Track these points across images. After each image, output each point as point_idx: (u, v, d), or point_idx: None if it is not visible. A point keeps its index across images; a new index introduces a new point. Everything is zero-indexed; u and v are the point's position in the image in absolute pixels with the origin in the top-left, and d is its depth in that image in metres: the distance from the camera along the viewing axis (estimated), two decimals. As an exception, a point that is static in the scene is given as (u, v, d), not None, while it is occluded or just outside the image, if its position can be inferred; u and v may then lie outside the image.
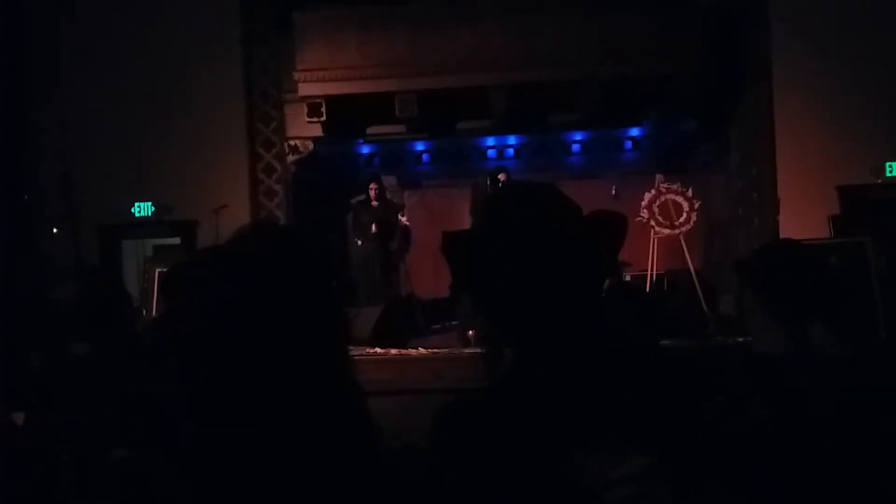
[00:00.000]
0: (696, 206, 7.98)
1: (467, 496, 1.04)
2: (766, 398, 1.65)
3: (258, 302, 0.94)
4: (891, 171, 8.18)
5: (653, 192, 8.05)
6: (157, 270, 7.23)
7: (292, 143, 8.83)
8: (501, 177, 7.55)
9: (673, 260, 8.07)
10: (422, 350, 7.10)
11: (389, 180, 9.59)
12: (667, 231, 7.86)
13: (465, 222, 8.47)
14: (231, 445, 0.90)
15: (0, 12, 8.39)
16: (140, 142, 8.54)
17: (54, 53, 8.60)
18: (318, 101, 8.36)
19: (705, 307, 7.45)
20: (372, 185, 8.51)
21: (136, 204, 8.78)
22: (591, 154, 10.15)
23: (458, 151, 10.23)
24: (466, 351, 7.01)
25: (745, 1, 8.40)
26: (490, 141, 10.12)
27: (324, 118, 8.40)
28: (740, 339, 5.91)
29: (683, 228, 7.92)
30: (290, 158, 8.84)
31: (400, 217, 8.84)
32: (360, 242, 8.49)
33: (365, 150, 10.28)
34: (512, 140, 10.14)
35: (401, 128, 8.97)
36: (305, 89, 8.35)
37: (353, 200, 8.78)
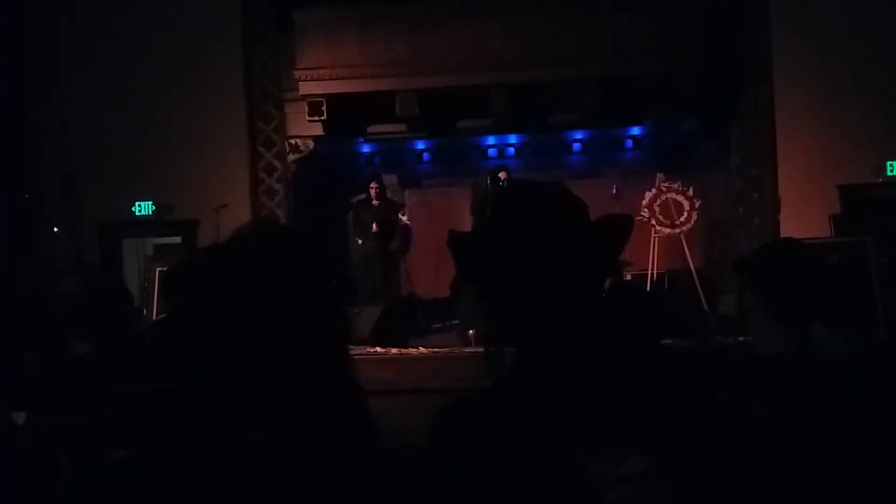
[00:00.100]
0: (697, 205, 7.97)
1: (467, 496, 1.04)
2: (766, 398, 1.65)
3: (258, 301, 0.93)
4: (891, 171, 8.18)
5: (653, 191, 8.05)
6: (158, 270, 7.23)
7: (293, 142, 8.83)
8: (502, 175, 7.54)
9: (673, 259, 8.07)
10: (422, 349, 7.10)
11: (390, 179, 9.58)
12: (667, 230, 7.86)
13: (466, 221, 8.47)
14: (231, 444, 0.90)
15: (0, 12, 8.39)
16: (140, 141, 8.54)
17: (54, 53, 8.60)
18: (318, 99, 8.36)
19: (706, 307, 7.45)
20: (372, 184, 8.51)
21: (137, 203, 8.78)
22: (592, 153, 10.14)
23: (458, 150, 10.22)
24: (467, 350, 7.01)
25: (743, 1, 8.40)
26: (491, 140, 10.12)
27: (324, 117, 8.40)
28: (741, 339, 5.91)
29: (684, 228, 7.91)
30: (291, 157, 8.84)
31: (400, 216, 8.84)
32: (360, 241, 8.49)
33: (365, 149, 10.27)
34: (512, 139, 10.13)
35: (401, 127, 8.96)
36: (306, 88, 8.35)
37: (354, 199, 8.78)
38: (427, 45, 8.20)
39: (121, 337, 2.17)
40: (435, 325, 8.64)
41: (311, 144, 8.83)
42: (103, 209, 8.71)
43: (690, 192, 8.02)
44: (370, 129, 9.30)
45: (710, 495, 1.06)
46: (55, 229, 8.67)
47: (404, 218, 8.95)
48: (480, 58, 8.11)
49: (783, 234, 7.65)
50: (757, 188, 8.43)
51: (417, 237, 9.21)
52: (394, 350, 6.95)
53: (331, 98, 8.32)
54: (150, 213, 8.81)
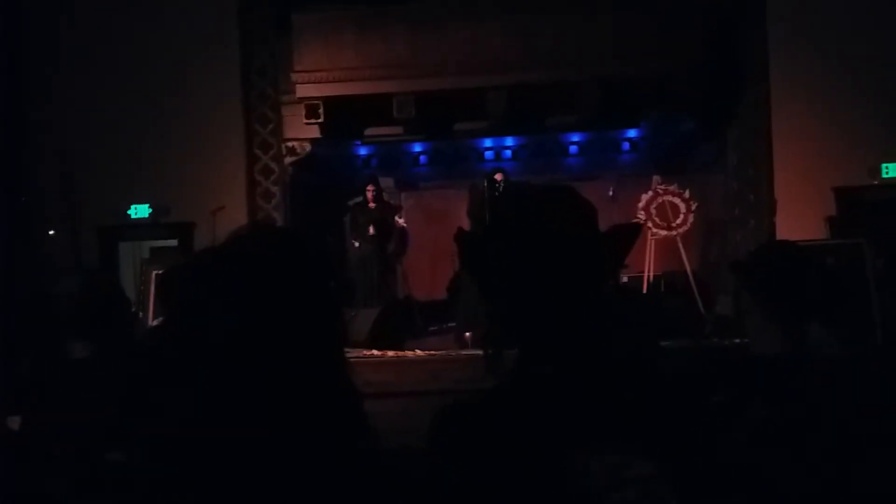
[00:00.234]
0: (693, 207, 7.99)
1: (466, 498, 1.04)
2: (764, 399, 1.65)
3: (255, 303, 0.93)
4: (887, 173, 8.20)
5: (650, 193, 8.06)
6: (154, 272, 7.22)
7: (290, 144, 8.82)
8: (499, 177, 7.55)
9: (670, 261, 8.08)
10: (419, 352, 7.10)
11: (387, 182, 9.58)
12: (664, 232, 7.87)
13: (463, 224, 8.47)
14: (228, 446, 0.89)
15: (0, 12, 8.39)
16: (137, 143, 8.53)
17: (52, 54, 8.59)
18: (315, 102, 8.35)
19: (702, 308, 7.46)
20: (369, 187, 8.51)
21: (133, 206, 8.76)
22: (589, 155, 10.15)
23: (455, 153, 10.22)
24: (463, 352, 7.01)
25: (743, 2, 8.42)
26: (487, 142, 10.12)
27: (321, 120, 8.39)
28: (737, 340, 5.92)
29: (680, 230, 7.92)
30: (288, 160, 8.84)
31: (397, 219, 8.84)
32: (357, 244, 8.49)
33: (362, 151, 10.27)
34: (509, 141, 10.14)
35: (398, 129, 8.96)
36: (303, 91, 8.35)
37: (351, 202, 8.77)
38: (424, 47, 8.20)
39: (117, 339, 2.16)
40: (432, 328, 8.64)
41: (308, 147, 8.83)
42: (100, 211, 8.70)
43: (686, 195, 8.03)
44: (367, 132, 9.30)
45: (709, 496, 1.06)
46: (52, 231, 8.65)
47: (401, 220, 8.95)
48: (477, 60, 8.11)
49: (779, 236, 7.66)
50: (753, 190, 8.45)
51: (414, 240, 9.21)
52: (391, 352, 6.95)
53: (328, 100, 8.32)
54: (147, 215, 8.79)
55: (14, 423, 2.12)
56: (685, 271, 7.83)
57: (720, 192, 8.92)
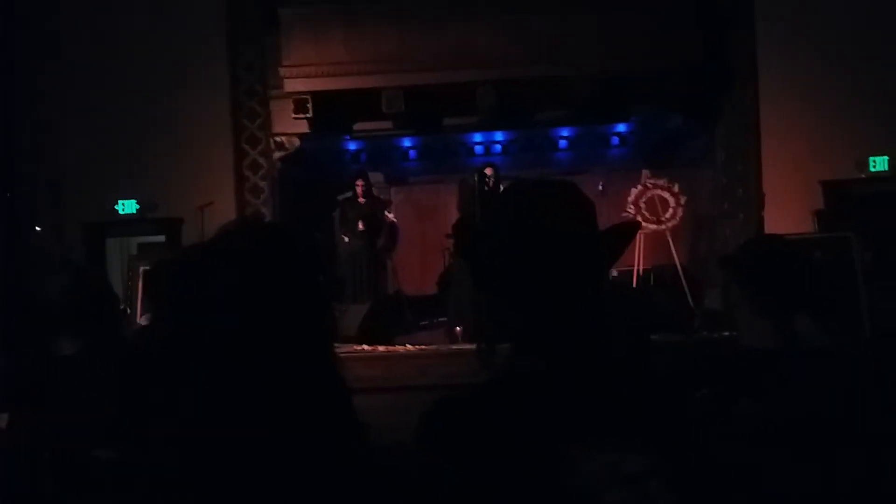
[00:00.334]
0: (683, 201, 8.02)
1: (458, 495, 1.04)
2: (753, 393, 1.66)
3: (244, 298, 0.93)
4: (874, 166, 8.25)
5: (639, 187, 8.09)
6: (142, 269, 7.18)
7: (278, 139, 8.78)
8: (489, 172, 7.54)
9: (659, 255, 8.11)
10: (409, 347, 7.09)
11: (376, 177, 9.56)
12: (653, 226, 7.89)
13: (453, 219, 8.45)
14: (217, 443, 0.89)
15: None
16: (124, 138, 8.47)
17: (39, 51, 8.52)
18: (304, 97, 8.31)
19: (691, 302, 7.49)
20: (358, 182, 8.49)
21: (120, 201, 8.71)
22: (578, 150, 10.18)
23: (444, 148, 10.22)
24: (454, 347, 7.02)
25: (731, -2, 8.45)
26: (477, 137, 10.12)
27: (310, 114, 8.36)
28: (726, 334, 5.95)
29: (670, 224, 7.95)
30: (276, 155, 8.80)
31: (387, 214, 8.82)
32: (346, 239, 8.46)
33: (351, 146, 10.25)
34: (499, 136, 10.15)
35: (387, 124, 8.94)
36: (291, 85, 8.31)
37: (340, 197, 8.75)
38: (413, 41, 8.18)
39: (106, 336, 2.15)
40: (422, 323, 8.64)
41: (297, 142, 8.80)
42: (87, 207, 8.64)
43: (676, 189, 8.06)
44: (356, 127, 9.28)
45: (703, 491, 1.06)
46: (38, 228, 8.59)
47: (391, 215, 8.93)
48: (467, 55, 8.10)
49: (767, 230, 7.70)
50: (741, 184, 8.49)
51: (404, 234, 9.20)
52: (381, 348, 6.94)
53: (316, 95, 8.28)
54: (134, 211, 8.74)
55: (1, 420, 2.10)
56: (674, 265, 7.87)
57: (709, 187, 8.95)
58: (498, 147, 10.20)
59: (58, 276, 2.19)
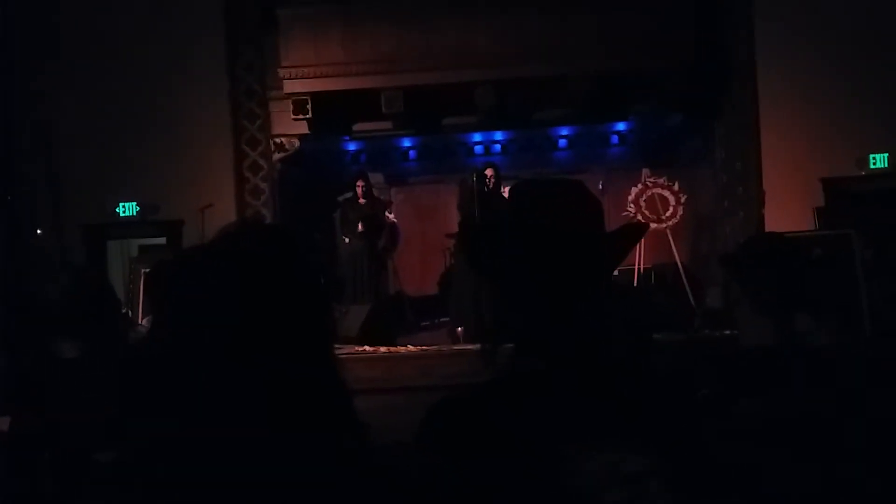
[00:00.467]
0: (683, 199, 8.02)
1: (459, 495, 1.04)
2: (754, 391, 1.66)
3: (245, 300, 0.93)
4: (874, 163, 8.24)
5: (639, 186, 8.08)
6: (143, 271, 7.18)
7: (278, 140, 8.78)
8: (489, 172, 7.54)
9: (660, 254, 8.10)
10: (411, 347, 7.09)
11: (376, 177, 9.56)
12: (654, 225, 7.88)
13: (453, 219, 8.46)
14: (218, 444, 0.89)
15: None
16: (125, 140, 8.47)
17: (39, 52, 8.52)
18: (303, 98, 8.32)
19: (692, 301, 7.49)
20: (359, 183, 8.48)
21: (121, 204, 8.71)
22: (578, 149, 10.18)
23: (444, 148, 10.22)
24: (455, 347, 7.01)
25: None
26: (477, 137, 10.12)
27: (309, 115, 8.36)
28: (727, 333, 5.95)
29: (670, 222, 7.95)
30: (276, 156, 8.80)
31: (387, 214, 8.82)
32: (347, 240, 8.46)
33: (351, 147, 10.25)
34: (499, 136, 10.15)
35: (387, 124, 8.94)
36: (291, 86, 8.31)
37: (340, 198, 8.74)
38: (412, 41, 8.18)
39: (107, 338, 2.15)
40: (423, 323, 8.64)
41: (297, 143, 8.80)
42: (87, 210, 8.64)
43: (676, 187, 8.06)
44: (356, 127, 9.27)
45: (703, 491, 1.06)
46: (39, 230, 8.59)
47: (391, 216, 8.93)
48: (466, 54, 8.10)
49: (768, 228, 7.69)
50: (742, 182, 8.48)
51: (405, 235, 9.20)
52: (382, 348, 6.94)
53: (316, 96, 8.28)
54: (135, 213, 8.74)
55: (3, 423, 2.10)
56: (675, 264, 7.86)
57: (709, 185, 8.95)
58: (497, 147, 10.20)
59: (59, 278, 2.19)
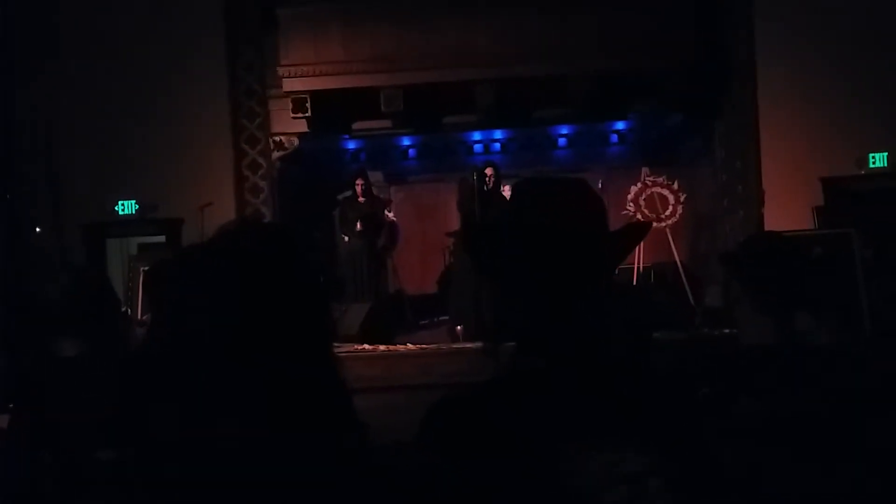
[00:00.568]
0: (682, 198, 8.02)
1: (459, 495, 1.04)
2: (754, 390, 1.66)
3: (244, 299, 0.93)
4: (874, 163, 8.24)
5: (639, 185, 8.08)
6: (142, 269, 7.18)
7: (277, 139, 8.78)
8: (489, 171, 7.54)
9: (659, 253, 8.11)
10: (410, 346, 7.09)
11: (376, 176, 9.56)
12: (653, 224, 7.89)
13: (453, 217, 8.47)
14: (217, 443, 0.89)
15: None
16: (124, 139, 8.47)
17: (38, 51, 8.52)
18: (302, 96, 8.31)
19: (692, 300, 7.49)
20: (358, 181, 8.48)
21: (120, 202, 8.71)
22: (578, 148, 10.18)
23: (444, 146, 10.22)
24: (455, 346, 7.02)
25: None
26: (476, 135, 10.12)
27: (309, 114, 8.36)
28: (727, 331, 5.95)
29: (669, 221, 7.95)
30: (276, 155, 8.80)
31: (387, 213, 8.82)
32: (346, 239, 8.46)
33: (351, 145, 10.24)
34: (498, 134, 10.14)
35: (387, 123, 8.94)
36: (290, 85, 8.31)
37: (340, 196, 8.75)
38: (412, 40, 8.17)
39: (107, 337, 2.15)
40: (423, 322, 8.64)
41: (296, 141, 8.79)
42: (87, 208, 8.64)
43: (675, 186, 8.06)
44: (355, 126, 9.27)
45: (703, 490, 1.06)
46: (38, 229, 8.59)
47: (391, 214, 8.93)
48: (466, 53, 8.10)
49: (767, 227, 7.70)
50: (741, 181, 8.48)
51: (404, 233, 9.20)
52: (382, 347, 6.94)
53: (315, 95, 8.28)
54: (134, 212, 8.74)
55: (2, 421, 2.10)
56: (675, 263, 7.86)
57: (709, 184, 8.95)
58: (497, 145, 10.20)
59: (58, 277, 2.19)
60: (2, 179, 8.56)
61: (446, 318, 8.01)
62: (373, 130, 9.34)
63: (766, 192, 8.23)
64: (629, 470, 1.02)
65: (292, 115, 8.41)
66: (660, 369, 1.16)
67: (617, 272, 7.92)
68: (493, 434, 1.05)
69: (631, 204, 7.97)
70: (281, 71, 8.28)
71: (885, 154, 8.23)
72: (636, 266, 7.90)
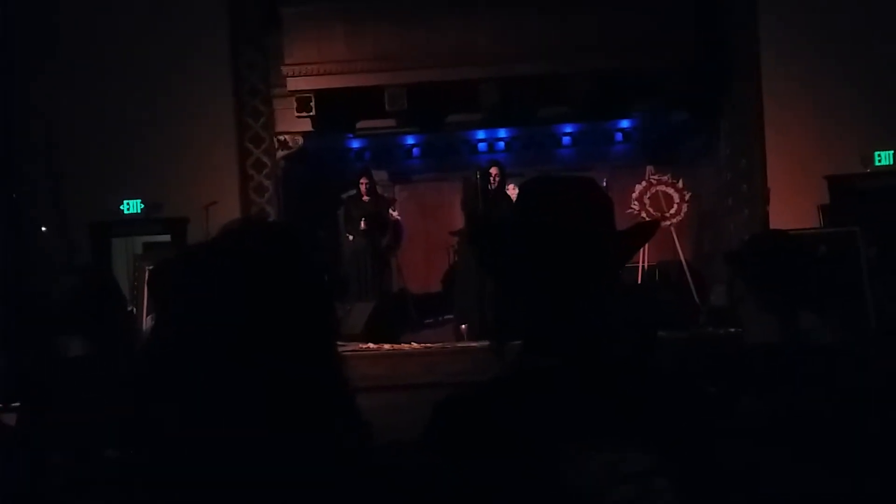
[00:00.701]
0: (687, 197, 8.00)
1: (463, 494, 1.04)
2: (757, 389, 1.65)
3: (248, 298, 0.93)
4: (880, 161, 8.22)
5: (643, 183, 8.07)
6: (147, 268, 7.19)
7: (282, 138, 8.79)
8: (493, 170, 7.53)
9: (664, 251, 8.09)
10: (415, 345, 7.10)
11: (380, 175, 9.56)
12: (661, 223, 7.87)
13: (457, 216, 8.46)
14: (221, 442, 0.89)
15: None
16: (129, 138, 8.48)
17: (42, 50, 8.53)
18: (307, 95, 8.32)
19: (697, 298, 7.48)
20: (362, 180, 8.48)
21: (126, 201, 8.73)
22: (582, 146, 10.16)
23: (448, 145, 10.21)
24: (459, 345, 7.01)
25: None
26: (481, 134, 10.11)
27: (313, 113, 8.36)
28: (732, 330, 5.94)
29: (674, 220, 7.94)
30: (280, 154, 8.81)
31: (391, 211, 8.82)
32: (351, 238, 8.47)
33: (355, 144, 10.25)
34: (502, 133, 10.14)
35: (391, 122, 8.94)
36: (294, 84, 8.31)
37: (344, 195, 8.75)
38: (416, 39, 8.17)
39: (113, 336, 2.15)
40: (427, 321, 8.64)
41: (300, 140, 8.80)
42: (92, 207, 8.66)
43: (680, 185, 8.04)
44: (359, 125, 9.27)
45: (707, 489, 1.06)
46: (43, 228, 8.61)
47: (395, 213, 8.93)
48: (470, 52, 8.09)
49: (772, 225, 7.68)
50: (746, 179, 8.46)
51: (408, 232, 9.20)
52: (386, 346, 6.95)
53: (319, 94, 8.28)
54: (139, 211, 8.76)
55: (10, 420, 2.11)
56: (679, 261, 7.85)
57: (713, 182, 8.93)
58: (501, 144, 10.19)
59: (64, 277, 2.19)
60: (6, 179, 8.58)
61: (451, 316, 8.01)
62: (377, 129, 9.34)
63: (771, 190, 8.21)
64: (634, 468, 1.02)
65: (297, 114, 8.41)
66: (665, 368, 1.16)
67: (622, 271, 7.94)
68: (499, 433, 1.05)
69: (635, 202, 7.96)
70: (285, 70, 8.29)
71: (891, 152, 8.21)
72: (641, 265, 7.89)
